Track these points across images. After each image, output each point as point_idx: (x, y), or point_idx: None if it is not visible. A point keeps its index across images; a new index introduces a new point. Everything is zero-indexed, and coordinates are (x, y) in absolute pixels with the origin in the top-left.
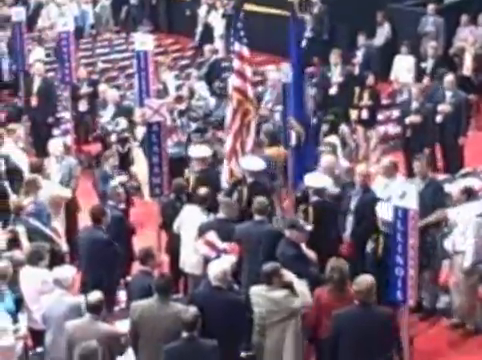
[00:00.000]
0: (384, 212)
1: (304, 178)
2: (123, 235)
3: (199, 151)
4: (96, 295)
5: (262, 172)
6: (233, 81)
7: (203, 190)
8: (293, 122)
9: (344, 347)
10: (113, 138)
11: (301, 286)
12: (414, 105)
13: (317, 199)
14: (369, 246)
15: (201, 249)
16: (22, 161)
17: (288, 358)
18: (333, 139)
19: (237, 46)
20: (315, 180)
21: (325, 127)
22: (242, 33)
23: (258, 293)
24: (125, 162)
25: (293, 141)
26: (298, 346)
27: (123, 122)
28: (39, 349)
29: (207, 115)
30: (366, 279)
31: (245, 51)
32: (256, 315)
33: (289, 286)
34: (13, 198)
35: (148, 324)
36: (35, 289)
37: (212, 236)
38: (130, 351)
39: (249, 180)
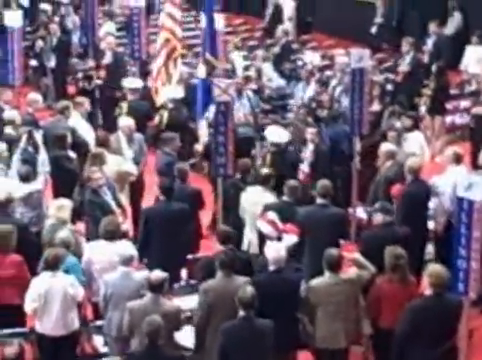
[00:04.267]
0: (273, 135)
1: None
2: (196, 211)
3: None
4: (159, 274)
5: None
6: (164, 21)
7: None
8: (208, 56)
9: (417, 337)
10: (80, 75)
11: (359, 256)
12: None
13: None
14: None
15: (264, 228)
16: (88, 134)
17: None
18: (398, 125)
19: None
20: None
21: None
22: None
23: (330, 287)
24: (92, 101)
25: (203, 74)
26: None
27: (90, 62)
28: (99, 322)
29: (282, 97)
30: (442, 271)
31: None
32: (330, 308)
33: (355, 262)
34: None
35: (221, 302)
36: (106, 264)
37: (273, 215)
38: (187, 328)
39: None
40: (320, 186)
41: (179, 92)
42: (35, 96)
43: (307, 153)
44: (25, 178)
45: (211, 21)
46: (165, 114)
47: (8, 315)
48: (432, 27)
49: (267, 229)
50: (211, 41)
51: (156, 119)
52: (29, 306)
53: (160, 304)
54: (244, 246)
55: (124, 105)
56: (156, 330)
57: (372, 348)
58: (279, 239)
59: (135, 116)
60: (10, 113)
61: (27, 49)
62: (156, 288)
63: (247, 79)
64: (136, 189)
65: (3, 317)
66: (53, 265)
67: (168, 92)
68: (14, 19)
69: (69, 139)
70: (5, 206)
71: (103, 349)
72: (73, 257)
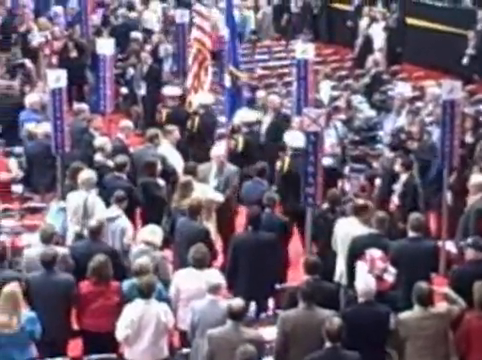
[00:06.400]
0: (294, 140)
1: (236, 114)
2: (284, 240)
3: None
4: (239, 302)
5: None
6: (194, 33)
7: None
8: (232, 68)
9: None
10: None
11: (450, 291)
12: None
13: (246, 130)
14: (278, 165)
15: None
16: (177, 162)
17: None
18: None
19: (197, 6)
20: (245, 115)
21: None
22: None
23: (420, 321)
24: None
25: (228, 83)
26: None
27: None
28: (185, 350)
29: (372, 128)
30: None
31: (204, 10)
32: (419, 342)
33: (446, 296)
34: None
35: (300, 333)
36: (194, 293)
37: (376, 253)
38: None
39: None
40: (413, 219)
41: (209, 98)
42: (127, 123)
43: (398, 185)
44: (120, 200)
45: (233, 33)
46: (196, 119)
47: (105, 342)
48: None
49: (367, 269)
50: (234, 52)
51: (188, 123)
52: (121, 333)
53: (240, 332)
54: (336, 277)
55: (164, 111)
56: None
57: None
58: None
59: (174, 121)
60: (101, 140)
61: (118, 77)
62: (236, 316)
63: (336, 109)
64: (224, 217)
65: (100, 345)
66: (147, 292)
67: (200, 98)
68: (106, 47)
69: (159, 167)
70: (97, 233)
71: None
72: (158, 284)
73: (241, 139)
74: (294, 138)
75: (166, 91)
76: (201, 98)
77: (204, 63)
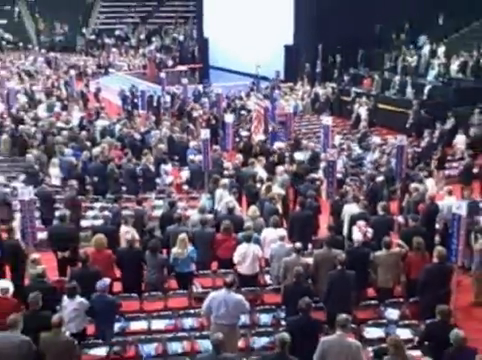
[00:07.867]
0: (298, 156)
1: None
2: (316, 215)
3: (299, 156)
4: (298, 244)
5: None
6: (254, 106)
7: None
8: (272, 123)
9: (429, 284)
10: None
11: (400, 241)
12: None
13: (279, 152)
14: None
15: (357, 230)
16: (264, 176)
17: (403, 277)
18: (421, 174)
19: (258, 94)
20: (278, 144)
21: None
22: (260, 92)
23: (385, 256)
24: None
25: (269, 130)
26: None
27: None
28: (267, 268)
29: (360, 159)
30: (443, 250)
31: (260, 97)
32: (385, 267)
33: (398, 244)
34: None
35: (324, 262)
36: (272, 240)
37: (362, 223)
38: None
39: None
40: (381, 205)
41: (262, 137)
42: (239, 156)
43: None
44: (233, 192)
45: (273, 109)
46: (257, 147)
47: (228, 264)
48: (438, 124)
49: (358, 230)
50: (272, 116)
51: (252, 151)
52: (235, 259)
53: (299, 259)
54: (344, 234)
55: (241, 143)
56: (300, 274)
57: (406, 288)
58: (364, 235)
59: (245, 148)
60: (226, 163)
61: (234, 132)
62: (299, 251)
63: (342, 149)
64: (284, 203)
65: (226, 265)
66: (248, 239)
67: (258, 137)
68: (229, 118)
69: (258, 177)
70: (233, 209)
71: (269, 282)
72: (255, 234)
73: (276, 156)
74: (298, 155)
75: (242, 133)
76: (258, 137)
77: (260, 122)
